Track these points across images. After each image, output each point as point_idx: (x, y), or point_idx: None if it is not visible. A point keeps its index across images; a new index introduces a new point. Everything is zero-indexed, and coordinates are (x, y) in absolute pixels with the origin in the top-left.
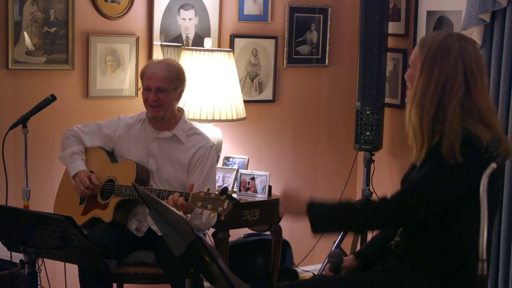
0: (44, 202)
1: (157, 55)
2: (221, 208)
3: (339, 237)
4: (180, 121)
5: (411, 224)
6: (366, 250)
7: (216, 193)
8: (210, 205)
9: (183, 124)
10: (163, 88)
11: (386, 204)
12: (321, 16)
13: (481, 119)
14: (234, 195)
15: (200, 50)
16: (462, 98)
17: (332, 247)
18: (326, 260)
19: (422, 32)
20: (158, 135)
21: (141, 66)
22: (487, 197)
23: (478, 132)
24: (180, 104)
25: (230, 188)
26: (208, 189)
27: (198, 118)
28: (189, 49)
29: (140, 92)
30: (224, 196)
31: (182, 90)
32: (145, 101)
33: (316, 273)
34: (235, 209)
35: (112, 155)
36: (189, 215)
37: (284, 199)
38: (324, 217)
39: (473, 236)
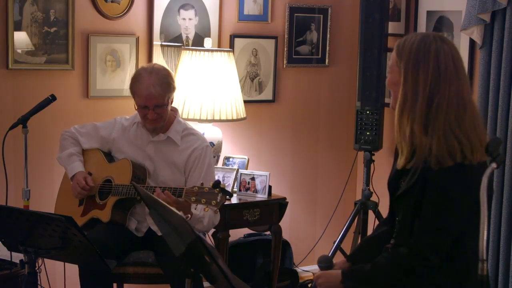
0: (44, 202)
1: (157, 55)
2: (214, 201)
3: (339, 238)
4: (174, 122)
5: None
6: (357, 253)
7: (209, 186)
8: (204, 199)
9: (177, 125)
10: (160, 104)
11: (411, 260)
12: (321, 16)
13: (457, 122)
14: (234, 195)
15: (200, 50)
16: (447, 104)
17: (332, 247)
18: None
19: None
20: (153, 138)
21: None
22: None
23: (453, 140)
24: (180, 104)
25: (230, 188)
26: (202, 184)
27: (198, 118)
28: (189, 49)
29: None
30: (217, 189)
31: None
32: (143, 117)
33: (315, 274)
34: (236, 209)
35: (109, 156)
36: (190, 215)
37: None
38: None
39: (474, 248)
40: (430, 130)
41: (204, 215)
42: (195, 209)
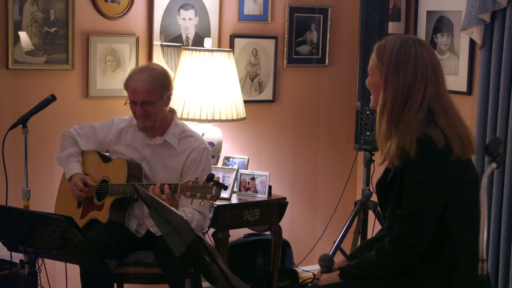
0: (44, 202)
1: (157, 55)
2: (209, 195)
3: (339, 237)
4: (171, 124)
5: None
6: (357, 253)
7: (204, 180)
8: (199, 194)
9: (175, 128)
10: (148, 100)
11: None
12: (321, 16)
13: (434, 120)
14: (234, 195)
15: (200, 50)
16: (420, 104)
17: (332, 247)
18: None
19: (422, 32)
20: (150, 141)
21: None
22: (459, 190)
23: (432, 135)
24: (180, 104)
25: (230, 188)
26: (196, 178)
27: (198, 118)
28: (189, 49)
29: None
30: (212, 183)
31: (170, 94)
32: (134, 114)
33: (316, 273)
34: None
35: (105, 156)
36: (189, 215)
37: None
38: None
39: (463, 238)
40: (398, 128)
41: (191, 219)
42: (184, 211)
